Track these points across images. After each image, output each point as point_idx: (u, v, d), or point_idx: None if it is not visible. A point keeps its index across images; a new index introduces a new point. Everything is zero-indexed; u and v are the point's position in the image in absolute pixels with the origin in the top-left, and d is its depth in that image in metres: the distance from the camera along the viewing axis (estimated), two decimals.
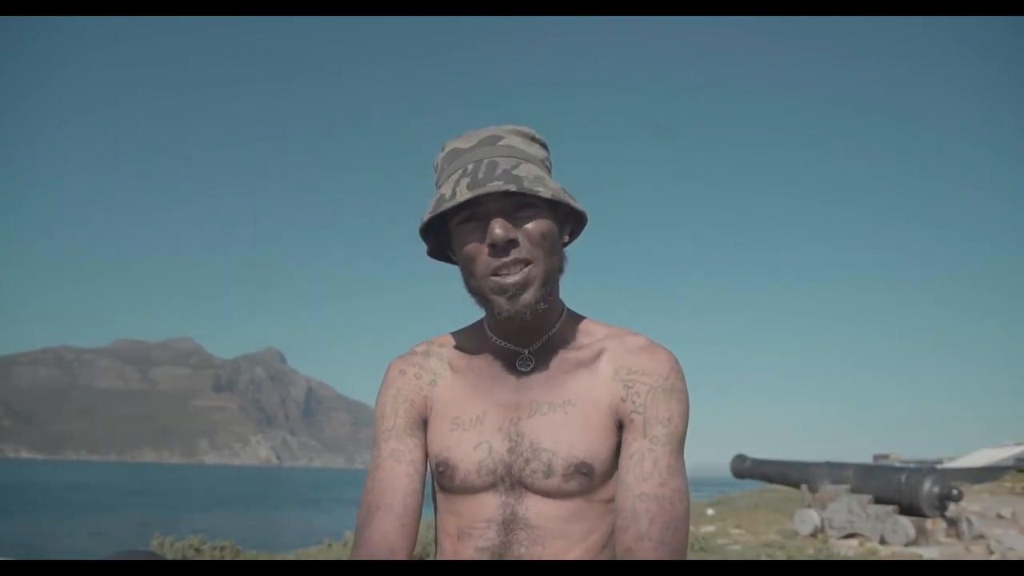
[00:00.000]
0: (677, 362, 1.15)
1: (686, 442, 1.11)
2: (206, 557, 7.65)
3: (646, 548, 1.00)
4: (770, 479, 13.76)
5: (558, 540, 1.09)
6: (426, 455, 1.19)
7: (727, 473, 14.30)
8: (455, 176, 1.09)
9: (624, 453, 1.10)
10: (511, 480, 1.11)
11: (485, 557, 1.10)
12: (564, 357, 1.17)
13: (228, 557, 7.87)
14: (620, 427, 1.12)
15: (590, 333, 1.20)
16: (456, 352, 1.23)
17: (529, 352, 1.17)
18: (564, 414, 1.12)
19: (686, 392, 1.13)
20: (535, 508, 1.10)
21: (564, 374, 1.15)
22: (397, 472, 1.14)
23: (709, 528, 13.01)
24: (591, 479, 1.10)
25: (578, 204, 1.12)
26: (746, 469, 13.64)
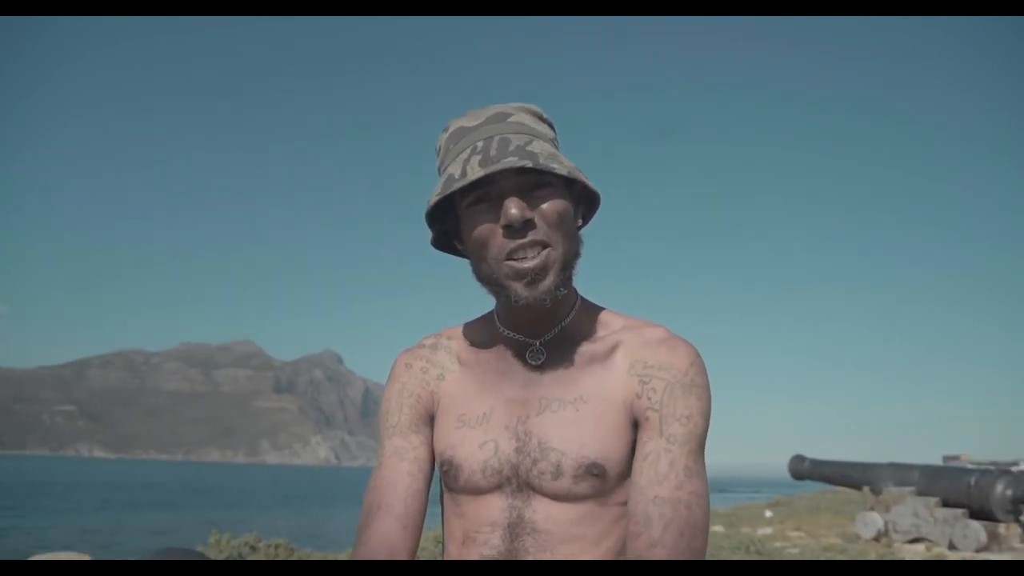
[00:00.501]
0: (699, 356, 1.06)
1: (707, 442, 1.02)
2: (260, 555, 7.78)
3: (659, 556, 0.92)
4: (830, 480, 13.35)
5: (567, 545, 1.01)
6: (432, 453, 1.13)
7: (785, 474, 13.95)
8: (464, 155, 1.02)
9: (638, 453, 1.01)
10: (518, 481, 1.04)
11: None
12: (577, 350, 1.09)
13: (282, 555, 8.00)
14: (636, 425, 1.04)
15: (606, 325, 1.12)
16: (465, 345, 1.17)
17: (540, 344, 1.10)
18: (575, 411, 1.04)
19: (708, 389, 1.04)
20: (543, 511, 1.02)
21: (576, 368, 1.08)
22: (399, 470, 1.09)
23: (767, 530, 12.69)
24: (604, 481, 1.02)
25: (592, 184, 1.05)
26: (805, 470, 13.27)
